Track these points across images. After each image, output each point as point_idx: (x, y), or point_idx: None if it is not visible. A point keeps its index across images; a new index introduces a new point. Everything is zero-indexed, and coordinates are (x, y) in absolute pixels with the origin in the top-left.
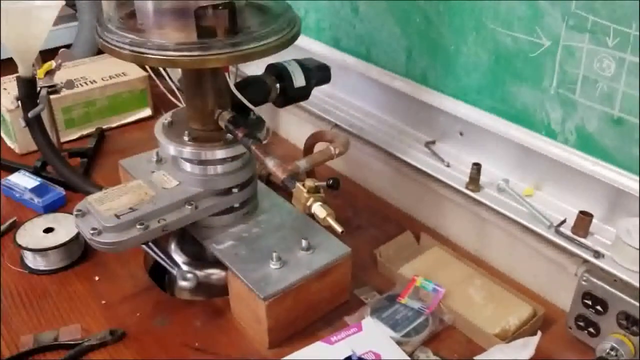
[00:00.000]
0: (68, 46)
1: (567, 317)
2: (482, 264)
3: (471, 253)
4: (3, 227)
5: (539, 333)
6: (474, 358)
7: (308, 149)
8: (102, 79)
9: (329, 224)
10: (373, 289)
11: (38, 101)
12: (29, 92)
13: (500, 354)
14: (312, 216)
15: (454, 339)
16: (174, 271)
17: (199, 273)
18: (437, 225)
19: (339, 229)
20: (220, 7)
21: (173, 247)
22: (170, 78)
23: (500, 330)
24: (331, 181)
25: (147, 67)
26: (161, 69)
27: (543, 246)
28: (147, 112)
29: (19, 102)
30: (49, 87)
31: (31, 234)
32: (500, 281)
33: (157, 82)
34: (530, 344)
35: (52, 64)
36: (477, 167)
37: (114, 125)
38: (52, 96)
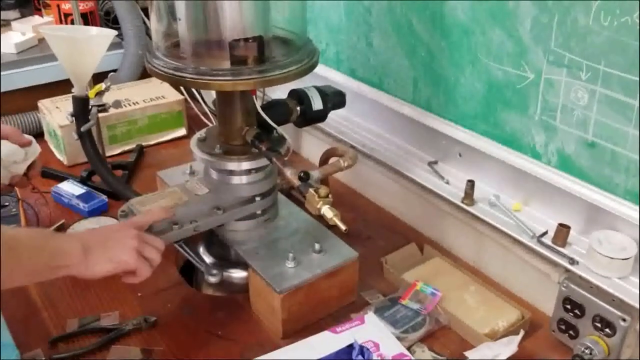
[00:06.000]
0: (114, 71)
1: (551, 321)
2: (479, 274)
3: (470, 264)
4: (53, 227)
5: (522, 331)
6: (464, 353)
7: (323, 162)
8: (144, 101)
9: (335, 223)
10: (378, 292)
11: (89, 117)
12: (82, 110)
13: (487, 349)
14: (322, 218)
15: (448, 337)
16: (202, 267)
17: (223, 272)
18: (439, 238)
19: (342, 227)
20: (250, 40)
21: (201, 249)
22: (204, 101)
23: (490, 330)
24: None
25: (183, 91)
26: (196, 93)
27: (530, 257)
28: (182, 131)
29: (73, 117)
30: (99, 106)
31: None
32: (493, 288)
33: (192, 105)
34: (513, 342)
35: (102, 85)
36: (471, 183)
37: (152, 142)
38: (99, 114)
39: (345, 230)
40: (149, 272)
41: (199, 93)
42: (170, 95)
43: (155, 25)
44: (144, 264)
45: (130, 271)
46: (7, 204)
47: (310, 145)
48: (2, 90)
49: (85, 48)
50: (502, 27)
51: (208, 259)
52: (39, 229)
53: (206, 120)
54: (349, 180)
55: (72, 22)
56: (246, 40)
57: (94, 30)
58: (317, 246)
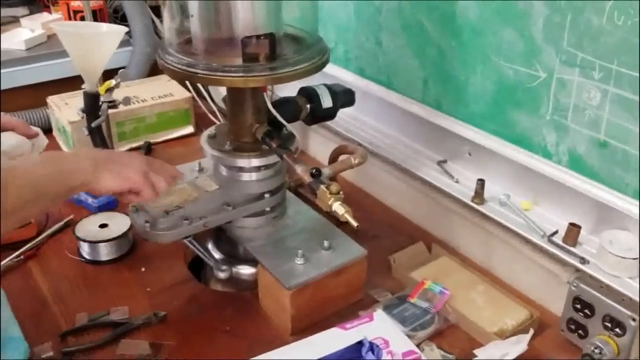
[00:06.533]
0: (122, 68)
1: (560, 321)
2: (487, 273)
3: (477, 264)
4: (62, 223)
5: (531, 330)
6: (473, 351)
7: (333, 159)
8: (152, 98)
9: (346, 219)
10: (386, 290)
11: (100, 113)
12: (92, 105)
13: (496, 348)
14: (333, 215)
15: (456, 336)
16: (211, 263)
17: (232, 269)
18: (447, 238)
19: (354, 223)
20: (262, 37)
21: (210, 245)
22: (212, 99)
23: (498, 329)
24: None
25: (191, 88)
26: (203, 91)
27: (539, 257)
28: (189, 129)
29: (84, 113)
30: (109, 102)
31: (88, 228)
32: (501, 288)
33: (200, 102)
34: (523, 341)
35: (112, 82)
36: (481, 182)
37: (159, 140)
38: (108, 111)
39: (357, 226)
40: (151, 195)
41: (207, 91)
42: (178, 93)
43: (167, 22)
44: (150, 186)
45: (135, 191)
46: None
47: (317, 143)
48: (11, 86)
49: (97, 44)
50: (513, 27)
51: (217, 255)
52: (47, 156)
53: (213, 119)
54: (356, 178)
55: (82, 19)
56: (258, 37)
57: (104, 26)
58: (325, 243)
